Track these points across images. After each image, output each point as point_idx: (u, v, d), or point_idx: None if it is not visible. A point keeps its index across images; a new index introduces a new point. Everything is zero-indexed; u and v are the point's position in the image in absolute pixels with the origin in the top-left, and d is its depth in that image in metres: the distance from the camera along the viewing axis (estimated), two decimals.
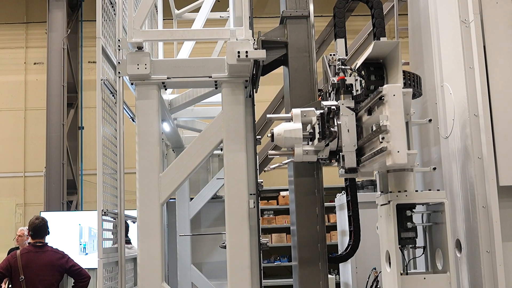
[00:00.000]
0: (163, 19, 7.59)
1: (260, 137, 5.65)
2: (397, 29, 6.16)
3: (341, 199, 8.56)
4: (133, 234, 5.47)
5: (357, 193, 5.09)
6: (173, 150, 7.50)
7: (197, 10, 7.68)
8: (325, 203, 12.54)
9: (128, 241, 6.55)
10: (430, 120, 4.36)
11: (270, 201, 13.05)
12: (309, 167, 4.92)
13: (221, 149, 4.94)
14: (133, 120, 5.50)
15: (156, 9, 7.38)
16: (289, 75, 5.05)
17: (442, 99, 4.86)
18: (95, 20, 4.86)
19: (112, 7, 5.31)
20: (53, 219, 10.27)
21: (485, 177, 4.33)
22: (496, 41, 4.43)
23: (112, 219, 4.96)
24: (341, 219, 8.65)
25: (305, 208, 5.00)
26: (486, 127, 4.31)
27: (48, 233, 6.62)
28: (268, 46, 4.90)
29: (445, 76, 4.83)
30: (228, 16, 7.47)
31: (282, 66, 5.23)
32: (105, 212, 4.71)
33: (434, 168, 4.31)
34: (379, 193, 4.32)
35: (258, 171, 5.54)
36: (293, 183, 5.00)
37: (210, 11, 6.94)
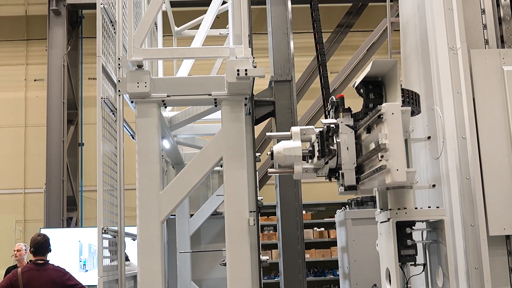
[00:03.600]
0: (163, 36, 7.64)
1: (259, 154, 5.68)
2: (390, 52, 6.26)
3: (340, 215, 8.56)
4: (131, 251, 5.46)
5: (358, 209, 5.09)
6: (173, 167, 7.50)
7: (196, 27, 7.73)
8: (325, 219, 12.60)
9: (126, 258, 6.54)
10: (429, 137, 4.38)
11: (270, 216, 13.04)
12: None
13: (221, 166, 4.96)
14: (133, 138, 5.52)
15: (156, 26, 7.43)
16: (276, 126, 6.22)
17: (432, 122, 4.93)
18: (95, 37, 4.90)
19: (112, 25, 5.35)
20: (53, 236, 10.22)
21: (472, 198, 4.42)
22: (481, 68, 4.56)
23: (112, 237, 4.96)
24: (341, 235, 8.64)
25: None
26: (473, 149, 4.44)
27: (50, 251, 6.60)
28: (259, 104, 6.18)
29: (435, 99, 4.90)
30: (228, 33, 7.53)
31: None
32: (105, 230, 4.71)
33: (434, 185, 4.33)
34: (379, 210, 4.32)
35: (257, 188, 5.56)
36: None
37: (210, 28, 6.99)
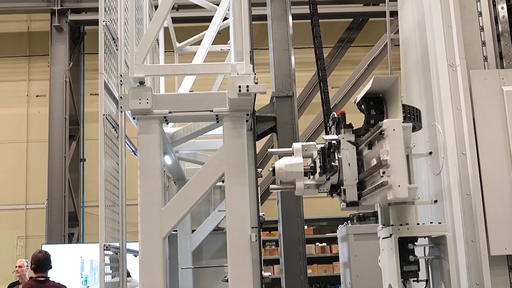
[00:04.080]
0: (164, 52, 7.68)
1: (261, 170, 5.69)
2: (390, 69, 6.30)
3: (342, 230, 8.54)
4: (133, 267, 5.45)
5: (360, 224, 5.10)
6: (174, 183, 7.50)
7: (198, 43, 7.77)
8: (327, 234, 12.59)
9: (127, 274, 6.52)
10: (430, 153, 4.39)
11: (272, 232, 13.01)
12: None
13: (223, 181, 4.96)
14: (135, 154, 5.53)
15: (158, 42, 7.47)
16: (277, 142, 6.19)
17: (433, 138, 4.95)
18: (97, 53, 4.92)
19: (114, 42, 5.37)
20: (55, 251, 10.22)
21: (473, 213, 4.43)
22: (481, 88, 4.59)
23: (114, 253, 4.95)
24: (343, 250, 8.62)
25: None
26: (473, 165, 4.46)
27: (51, 267, 6.59)
28: (261, 120, 6.17)
29: (436, 115, 4.93)
30: (229, 49, 7.57)
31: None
32: (107, 247, 4.71)
33: (435, 201, 4.33)
34: (381, 226, 4.32)
35: (259, 204, 5.56)
36: None
37: (211, 44, 7.03)
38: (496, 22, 4.88)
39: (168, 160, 6.34)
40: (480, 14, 4.87)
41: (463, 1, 4.86)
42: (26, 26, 14.45)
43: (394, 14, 6.66)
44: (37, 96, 14.19)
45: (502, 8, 4.90)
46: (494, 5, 4.91)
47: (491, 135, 4.51)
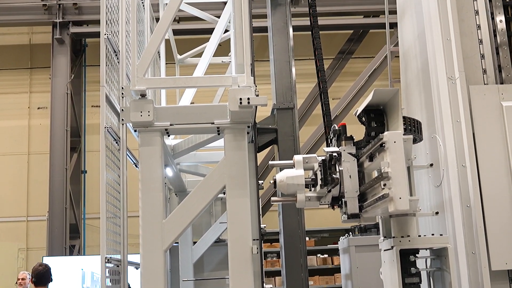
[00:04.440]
0: (166, 63, 7.71)
1: (262, 182, 5.69)
2: (390, 81, 6.33)
3: (344, 242, 8.53)
4: (133, 279, 5.43)
5: (361, 236, 5.11)
6: (176, 194, 7.50)
7: (199, 55, 7.80)
8: (328, 245, 12.54)
9: (128, 287, 6.50)
10: (431, 165, 4.39)
11: (273, 243, 12.99)
12: None
13: (224, 193, 4.97)
14: (136, 166, 5.54)
15: (159, 54, 7.49)
16: (278, 153, 6.15)
17: (433, 150, 4.96)
18: (98, 65, 4.93)
19: (116, 55, 5.39)
20: (56, 264, 10.22)
21: (473, 225, 4.44)
22: (481, 103, 4.63)
23: (115, 266, 4.94)
24: (345, 262, 8.60)
25: None
26: (473, 177, 4.48)
27: (51, 280, 6.59)
28: (262, 132, 6.14)
29: (436, 127, 4.95)
30: (230, 61, 7.59)
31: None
32: (108, 260, 4.70)
33: (437, 213, 4.33)
34: (382, 238, 4.32)
35: (261, 216, 5.55)
36: None
37: (212, 56, 7.06)
38: (495, 35, 4.92)
39: (169, 172, 6.34)
40: (478, 27, 4.91)
41: (462, 14, 4.90)
42: (28, 38, 14.50)
43: (394, 25, 6.69)
44: (38, 108, 14.22)
45: (501, 21, 4.94)
46: (493, 18, 4.95)
47: (491, 148, 4.54)
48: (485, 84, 4.80)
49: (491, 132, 4.55)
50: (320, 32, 7.11)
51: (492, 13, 4.95)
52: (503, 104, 4.58)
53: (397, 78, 6.18)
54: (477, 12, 4.93)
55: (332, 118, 6.62)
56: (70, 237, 12.92)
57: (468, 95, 4.62)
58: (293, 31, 7.35)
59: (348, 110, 12.62)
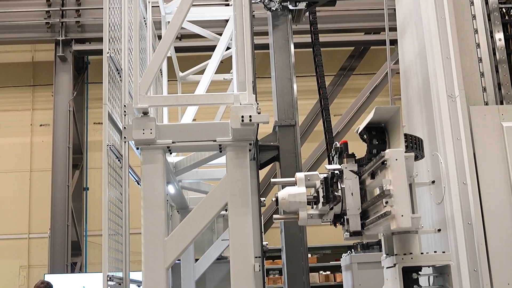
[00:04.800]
0: (168, 80, 7.74)
1: (264, 199, 5.69)
2: (391, 99, 6.36)
3: (346, 259, 8.50)
4: None
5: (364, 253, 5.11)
6: (178, 211, 7.50)
7: (201, 72, 7.85)
8: (331, 262, 12.47)
9: None
10: (433, 182, 4.40)
11: (275, 260, 12.94)
12: None
13: (226, 209, 4.97)
14: (138, 183, 5.54)
15: (161, 72, 7.53)
16: (280, 170, 6.09)
17: (435, 167, 4.98)
18: (101, 82, 4.96)
19: (118, 73, 5.43)
20: (58, 281, 10.19)
21: (475, 243, 4.46)
22: (481, 124, 4.67)
23: (118, 284, 4.93)
24: (347, 279, 8.56)
25: None
26: (473, 195, 4.50)
27: None
28: (264, 149, 6.08)
29: (438, 144, 4.96)
30: (232, 78, 7.63)
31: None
32: (110, 277, 4.69)
33: (439, 230, 4.32)
34: (385, 255, 4.31)
35: (263, 233, 5.55)
36: None
37: (214, 73, 7.10)
38: (494, 54, 4.95)
39: (171, 189, 6.35)
40: (478, 45, 4.95)
41: (461, 33, 4.94)
42: (31, 56, 14.58)
43: (394, 42, 6.73)
44: (40, 125, 14.26)
45: (500, 39, 4.98)
46: (492, 37, 4.99)
47: (491, 167, 4.56)
48: (485, 102, 4.83)
49: (492, 151, 4.57)
50: (321, 49, 7.16)
51: (491, 32, 5.00)
52: (504, 125, 4.61)
53: (398, 94, 6.21)
54: (476, 31, 4.97)
55: (333, 135, 6.64)
56: (71, 255, 12.88)
57: (469, 114, 4.65)
58: (294, 48, 7.39)
59: (350, 127, 12.64)
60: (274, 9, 6.28)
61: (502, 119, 4.63)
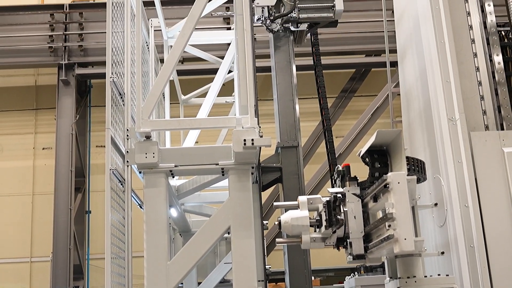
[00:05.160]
0: (170, 103, 7.78)
1: (266, 222, 5.69)
2: (392, 122, 6.39)
3: (350, 282, 8.46)
4: None
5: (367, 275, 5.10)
6: (180, 235, 7.49)
7: (203, 95, 7.88)
8: (334, 285, 12.35)
9: None
10: (435, 204, 4.40)
11: (278, 283, 12.85)
12: None
13: (229, 232, 4.96)
14: (141, 207, 5.54)
15: (163, 95, 7.57)
16: (283, 192, 5.95)
17: (435, 190, 4.99)
18: (103, 106, 5.00)
19: (121, 97, 5.46)
20: None
21: (477, 265, 4.46)
22: (482, 149, 4.70)
23: None
24: None
25: None
26: (475, 217, 4.52)
27: None
28: (266, 170, 5.98)
29: (440, 167, 4.98)
30: (234, 101, 7.66)
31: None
32: None
33: (442, 253, 4.32)
34: (388, 278, 4.30)
35: (265, 256, 5.54)
36: None
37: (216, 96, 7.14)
38: (494, 77, 4.99)
39: (173, 212, 6.34)
40: (477, 69, 5.00)
41: (461, 57, 4.99)
42: (34, 80, 14.65)
43: (395, 64, 6.77)
44: (43, 148, 14.28)
45: (499, 63, 5.03)
46: (491, 60, 5.03)
47: (493, 191, 4.58)
48: (485, 125, 4.86)
49: (493, 176, 4.60)
50: (323, 71, 7.19)
51: (490, 55, 5.04)
52: (505, 150, 4.64)
53: (400, 116, 6.23)
54: (475, 55, 5.02)
55: (336, 157, 6.64)
56: (74, 278, 12.81)
57: (469, 137, 4.67)
58: (296, 70, 7.43)
59: (352, 148, 12.64)
60: (275, 30, 6.31)
61: (503, 144, 4.66)
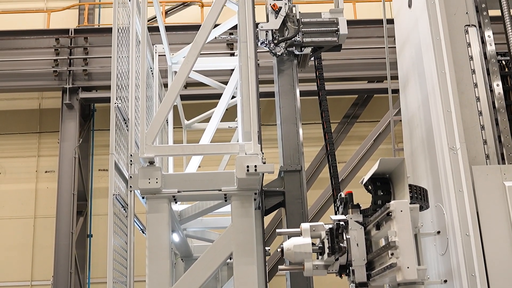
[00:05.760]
0: (173, 127, 7.81)
1: (269, 248, 5.67)
2: (394, 150, 6.41)
3: None
4: None
5: None
6: (182, 260, 7.47)
7: (206, 120, 7.92)
8: None
9: None
10: (438, 232, 4.40)
11: None
12: None
13: (231, 258, 4.96)
14: (143, 232, 5.55)
15: (167, 121, 7.60)
16: (286, 217, 5.89)
17: (437, 218, 4.99)
18: (106, 129, 5.03)
19: (125, 123, 5.50)
20: None
21: None
22: (483, 183, 4.71)
23: None
24: None
25: None
26: (476, 246, 4.51)
27: None
28: (269, 194, 5.90)
29: (442, 195, 5.00)
30: (237, 126, 7.69)
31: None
32: None
33: (445, 281, 4.31)
34: None
35: (267, 282, 5.52)
36: None
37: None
38: (494, 106, 5.02)
39: (176, 237, 6.34)
40: (478, 99, 5.04)
41: (462, 87, 5.03)
42: (38, 103, 14.71)
43: (397, 91, 6.80)
44: (46, 171, 14.29)
45: (499, 93, 5.06)
46: (492, 90, 5.07)
47: (494, 222, 4.58)
48: (486, 154, 4.88)
49: (495, 208, 4.60)
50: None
51: (490, 85, 5.08)
52: (506, 184, 4.66)
53: (402, 141, 6.24)
54: (476, 85, 5.06)
55: (339, 182, 6.63)
56: None
57: (471, 169, 4.68)
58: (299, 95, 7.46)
59: (354, 174, 12.64)
60: (279, 54, 6.35)
61: (504, 178, 4.68)
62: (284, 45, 6.27)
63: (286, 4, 6.24)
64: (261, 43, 6.21)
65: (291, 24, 6.27)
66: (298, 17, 6.27)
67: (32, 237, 13.87)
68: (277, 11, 6.21)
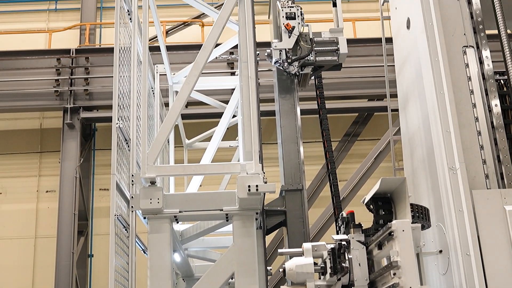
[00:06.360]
0: (174, 146, 7.82)
1: (270, 268, 5.66)
2: (394, 169, 6.42)
3: None
4: None
5: None
6: (183, 279, 7.44)
7: (207, 139, 7.94)
8: None
9: None
10: (440, 251, 4.39)
11: None
12: None
13: (233, 278, 4.94)
14: (145, 252, 5.53)
15: (168, 141, 7.62)
16: (287, 236, 5.88)
17: (439, 237, 4.99)
18: (107, 149, 5.04)
19: (127, 143, 5.51)
20: None
21: None
22: (484, 208, 4.70)
23: None
24: None
25: None
26: (477, 266, 4.49)
27: None
28: (271, 214, 5.93)
29: (444, 214, 4.99)
30: (238, 145, 7.71)
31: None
32: None
33: None
34: None
35: None
36: None
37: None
38: (493, 127, 5.05)
39: (177, 257, 6.31)
40: (476, 119, 5.06)
41: (460, 107, 5.06)
42: (39, 123, 14.75)
43: (397, 109, 6.82)
44: (47, 191, 14.28)
45: (498, 113, 5.08)
46: (490, 110, 5.09)
47: (494, 243, 4.58)
48: (485, 174, 4.88)
49: (495, 232, 4.60)
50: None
51: (489, 105, 5.11)
52: (506, 208, 4.66)
53: (402, 158, 6.25)
54: (474, 105, 5.08)
55: (340, 200, 6.63)
56: None
57: (471, 192, 4.69)
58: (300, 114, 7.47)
59: (355, 192, 12.63)
60: (293, 73, 6.38)
61: (504, 202, 4.69)
62: (297, 64, 6.30)
63: (299, 23, 6.28)
64: (275, 62, 6.25)
65: (303, 43, 6.30)
66: (311, 37, 6.31)
67: (33, 257, 13.82)
68: (290, 30, 6.25)
